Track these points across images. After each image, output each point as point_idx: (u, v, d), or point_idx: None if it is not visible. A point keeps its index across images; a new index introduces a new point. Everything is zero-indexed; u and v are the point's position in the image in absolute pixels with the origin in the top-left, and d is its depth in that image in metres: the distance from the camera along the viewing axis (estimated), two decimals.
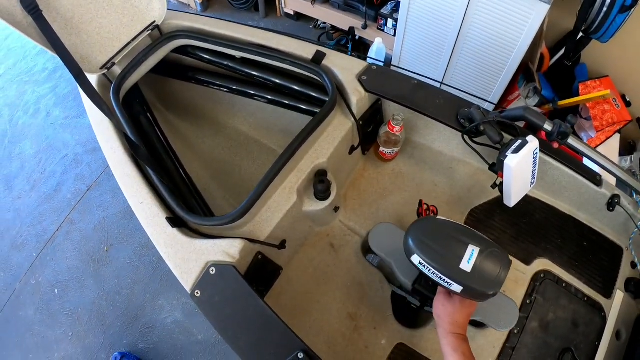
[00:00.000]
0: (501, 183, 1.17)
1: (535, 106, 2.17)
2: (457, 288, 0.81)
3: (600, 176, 1.30)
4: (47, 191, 2.59)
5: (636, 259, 1.31)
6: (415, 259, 0.85)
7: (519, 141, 1.08)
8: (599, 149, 2.01)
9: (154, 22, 1.38)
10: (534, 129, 1.15)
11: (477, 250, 0.82)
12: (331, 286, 1.28)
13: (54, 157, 2.76)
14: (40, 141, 2.88)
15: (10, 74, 3.41)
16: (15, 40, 3.67)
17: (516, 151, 1.05)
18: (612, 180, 1.34)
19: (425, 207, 1.41)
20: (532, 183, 1.16)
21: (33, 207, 2.53)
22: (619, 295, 1.29)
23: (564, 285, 1.28)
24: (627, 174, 1.21)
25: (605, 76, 2.18)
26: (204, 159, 1.74)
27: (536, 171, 1.14)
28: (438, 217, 0.96)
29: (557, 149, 1.22)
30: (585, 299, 1.26)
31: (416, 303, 1.17)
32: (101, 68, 1.30)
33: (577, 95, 2.11)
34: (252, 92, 1.64)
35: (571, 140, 1.14)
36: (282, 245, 1.21)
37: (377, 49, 2.57)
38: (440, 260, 0.83)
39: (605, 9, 1.69)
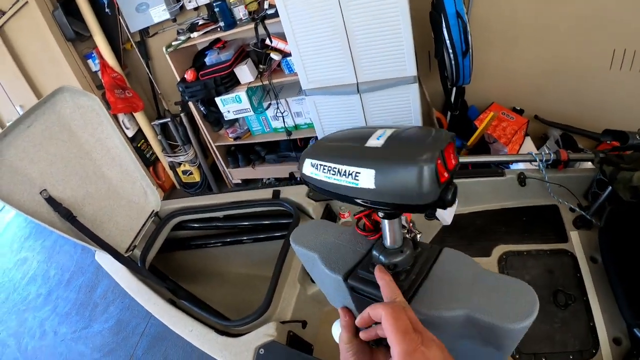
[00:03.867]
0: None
1: None
2: (368, 175, 0.50)
3: (501, 168, 1.78)
4: None
5: (568, 205, 1.71)
6: (307, 166, 0.60)
7: None
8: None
9: (153, 210, 1.92)
10: None
11: (392, 130, 0.55)
12: None
13: None
14: (55, 359, 3.09)
15: (5, 306, 3.76)
16: (1, 276, 4.13)
17: None
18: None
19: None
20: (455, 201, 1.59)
21: None
22: (574, 234, 1.67)
23: (524, 253, 1.67)
24: (520, 155, 1.71)
25: (492, 103, 2.85)
26: (218, 307, 2.13)
27: None
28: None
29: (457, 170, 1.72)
30: (548, 252, 1.64)
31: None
32: (126, 252, 1.79)
33: None
34: (239, 239, 2.16)
35: (462, 159, 1.64)
36: (304, 325, 1.59)
37: None
38: (337, 149, 0.57)
39: (453, 62, 2.35)
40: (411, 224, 0.67)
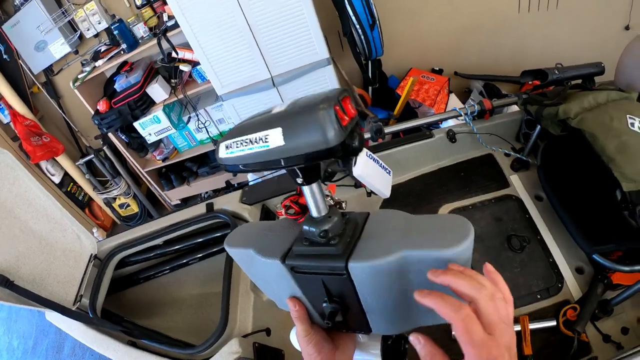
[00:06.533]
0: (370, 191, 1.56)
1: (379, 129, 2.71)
2: (275, 134, 0.53)
3: (428, 130, 1.77)
4: None
5: (502, 150, 1.73)
6: (222, 150, 0.60)
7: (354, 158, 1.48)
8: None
9: (91, 254, 1.78)
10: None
11: (294, 99, 0.57)
12: None
13: None
14: None
15: None
16: None
17: (355, 163, 1.46)
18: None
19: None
20: (389, 172, 1.54)
21: None
22: (514, 178, 1.69)
23: (470, 207, 1.66)
24: (445, 113, 1.75)
25: (410, 69, 2.85)
26: (181, 334, 2.00)
27: (383, 164, 1.51)
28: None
29: (384, 142, 1.69)
30: (493, 200, 1.64)
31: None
32: (74, 304, 1.63)
33: None
34: (186, 260, 2.06)
35: (388, 129, 1.61)
36: (268, 332, 1.51)
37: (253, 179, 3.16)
38: (246, 125, 0.58)
39: (362, 36, 2.32)
40: (337, 198, 0.71)
